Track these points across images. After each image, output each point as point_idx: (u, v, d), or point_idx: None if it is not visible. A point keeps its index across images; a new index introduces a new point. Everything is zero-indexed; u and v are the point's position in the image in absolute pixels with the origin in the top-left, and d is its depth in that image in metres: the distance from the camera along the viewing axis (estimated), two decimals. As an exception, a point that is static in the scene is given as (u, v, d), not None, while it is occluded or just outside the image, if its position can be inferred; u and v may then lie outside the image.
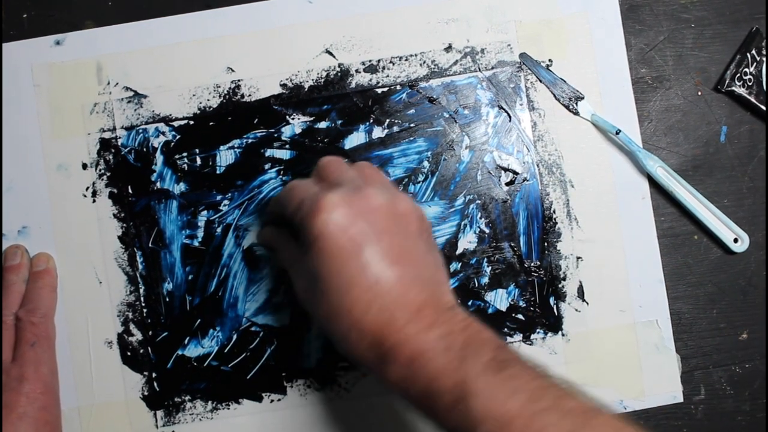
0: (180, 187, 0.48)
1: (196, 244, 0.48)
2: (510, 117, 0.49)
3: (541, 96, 0.49)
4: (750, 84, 0.49)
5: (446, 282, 0.39)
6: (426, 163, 0.49)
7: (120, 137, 0.48)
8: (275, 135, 0.48)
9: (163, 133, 0.48)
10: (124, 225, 0.48)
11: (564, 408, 0.32)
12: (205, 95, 0.48)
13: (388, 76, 0.49)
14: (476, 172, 0.49)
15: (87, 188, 0.48)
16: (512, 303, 0.49)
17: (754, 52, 0.49)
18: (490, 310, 0.49)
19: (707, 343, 0.49)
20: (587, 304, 0.49)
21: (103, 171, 0.48)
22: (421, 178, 0.49)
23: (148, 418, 0.48)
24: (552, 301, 0.49)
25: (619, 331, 0.48)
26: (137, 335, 0.48)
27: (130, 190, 0.48)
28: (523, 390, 0.32)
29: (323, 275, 0.37)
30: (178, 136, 0.48)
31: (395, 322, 0.35)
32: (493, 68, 0.49)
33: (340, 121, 0.49)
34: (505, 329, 0.49)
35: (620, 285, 0.49)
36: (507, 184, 0.49)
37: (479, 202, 0.49)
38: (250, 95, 0.48)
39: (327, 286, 0.36)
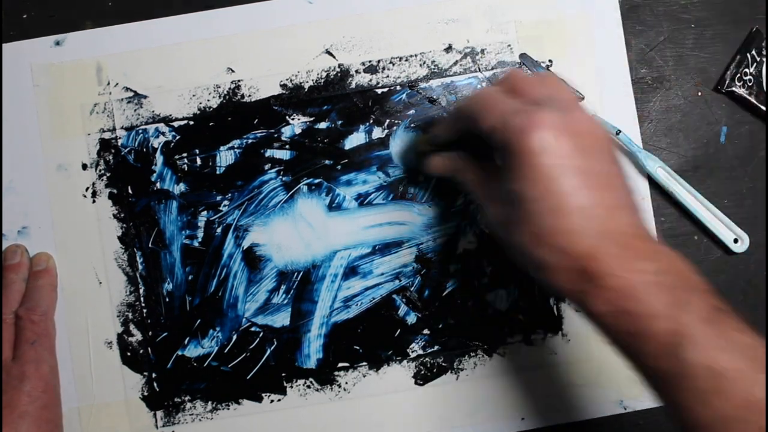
0: (180, 188, 0.48)
1: (196, 244, 0.48)
2: (510, 117, 0.49)
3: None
4: (750, 84, 0.49)
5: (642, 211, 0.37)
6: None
7: (120, 137, 0.48)
8: (275, 135, 0.48)
9: (163, 134, 0.48)
10: (124, 225, 0.48)
11: None
12: (205, 95, 0.48)
13: (388, 76, 0.49)
14: (476, 173, 0.49)
15: (87, 188, 0.48)
16: (512, 303, 0.49)
17: (754, 52, 0.49)
18: (490, 311, 0.49)
19: (707, 344, 0.49)
20: (587, 304, 0.49)
21: (103, 171, 0.48)
22: (421, 178, 0.49)
23: (147, 419, 0.48)
24: (552, 301, 0.49)
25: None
26: (137, 335, 0.48)
27: (130, 191, 0.48)
28: (742, 346, 0.31)
29: (529, 196, 0.35)
30: (178, 137, 0.48)
31: (604, 250, 0.34)
32: (493, 68, 0.49)
33: (340, 122, 0.49)
34: (506, 329, 0.49)
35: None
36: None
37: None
38: (250, 95, 0.48)
39: (532, 207, 0.35)
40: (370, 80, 0.49)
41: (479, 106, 0.38)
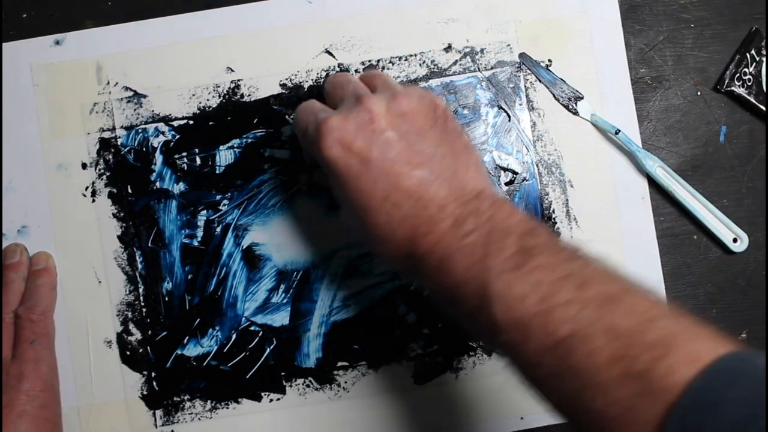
0: (179, 187, 0.48)
1: (195, 243, 0.48)
2: (509, 117, 0.49)
3: (541, 96, 0.49)
4: (749, 84, 0.49)
5: (470, 168, 0.37)
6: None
7: (119, 137, 0.48)
8: (275, 135, 0.48)
9: (163, 133, 0.48)
10: (124, 225, 0.48)
11: (584, 297, 0.30)
12: (204, 95, 0.48)
13: (387, 75, 0.49)
14: (476, 172, 0.49)
15: (87, 188, 0.48)
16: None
17: (753, 52, 0.49)
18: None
19: (707, 343, 0.49)
20: (587, 304, 0.49)
21: (102, 171, 0.48)
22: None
23: (147, 418, 0.48)
24: (551, 301, 0.49)
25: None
26: (136, 335, 0.48)
27: (129, 190, 0.48)
28: (543, 284, 0.31)
29: (345, 198, 0.37)
30: (177, 136, 0.48)
31: (419, 229, 0.35)
32: (492, 68, 0.49)
33: (339, 121, 0.49)
34: (505, 329, 0.49)
35: (620, 285, 0.48)
36: (506, 183, 0.49)
37: (479, 201, 0.49)
38: (249, 95, 0.48)
39: (352, 207, 0.36)
40: (370, 80, 0.49)
41: (294, 121, 0.41)
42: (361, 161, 0.36)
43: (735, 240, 0.49)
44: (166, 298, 0.48)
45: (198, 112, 0.48)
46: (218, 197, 0.48)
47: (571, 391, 0.29)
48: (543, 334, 0.30)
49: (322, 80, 0.49)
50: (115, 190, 0.48)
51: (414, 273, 0.37)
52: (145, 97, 0.48)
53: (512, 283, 0.31)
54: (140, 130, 0.48)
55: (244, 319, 0.48)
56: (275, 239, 0.48)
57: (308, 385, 0.48)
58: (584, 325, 0.29)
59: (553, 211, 0.49)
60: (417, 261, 0.35)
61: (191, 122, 0.48)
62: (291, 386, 0.48)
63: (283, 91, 0.49)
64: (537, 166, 0.49)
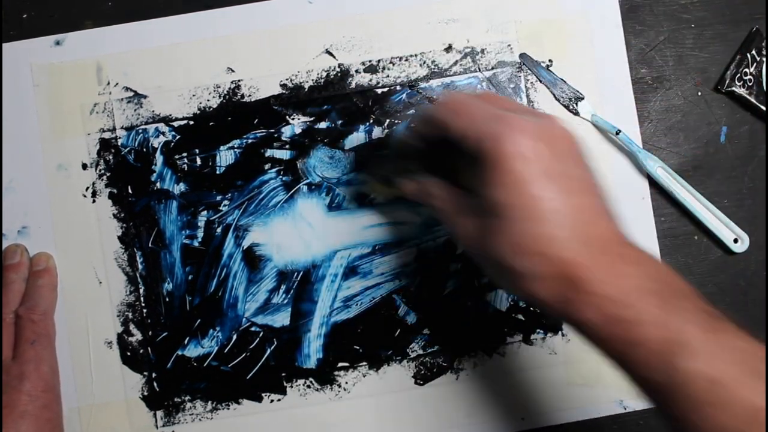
0: (180, 188, 0.48)
1: (196, 244, 0.48)
2: (510, 117, 0.49)
3: (541, 96, 0.49)
4: (750, 84, 0.49)
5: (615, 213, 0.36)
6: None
7: (120, 137, 0.48)
8: (275, 135, 0.48)
9: (163, 134, 0.48)
10: (124, 225, 0.48)
11: None
12: (205, 95, 0.48)
13: (388, 76, 0.49)
14: (476, 173, 0.49)
15: (87, 188, 0.48)
16: (512, 303, 0.49)
17: (754, 52, 0.49)
18: (490, 311, 0.49)
19: (707, 344, 0.49)
20: (587, 304, 0.49)
21: (103, 171, 0.48)
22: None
23: (147, 418, 0.48)
24: (552, 301, 0.49)
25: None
26: (137, 335, 0.48)
27: (130, 190, 0.48)
28: (740, 354, 0.30)
29: (507, 203, 0.33)
30: (178, 137, 0.48)
31: (589, 256, 0.33)
32: (493, 68, 0.49)
33: (340, 122, 0.49)
34: (505, 329, 0.49)
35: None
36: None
37: (479, 202, 0.49)
38: (250, 95, 0.48)
39: (511, 214, 0.33)
40: (370, 80, 0.49)
41: (451, 110, 0.37)
42: (547, 171, 0.33)
43: (736, 240, 0.49)
44: (167, 299, 0.48)
45: (198, 112, 0.48)
46: (219, 198, 0.48)
47: None
48: (739, 399, 0.29)
49: (322, 80, 0.49)
50: (115, 191, 0.48)
51: (565, 299, 0.33)
52: (145, 97, 0.48)
53: (705, 342, 0.30)
54: (140, 131, 0.48)
55: (244, 319, 0.48)
56: (276, 240, 0.48)
57: (309, 386, 0.48)
58: None
59: (554, 212, 0.49)
60: (577, 285, 0.33)
61: (191, 123, 0.48)
62: (292, 387, 0.48)
63: (284, 92, 0.49)
64: (537, 166, 0.49)
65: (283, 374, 0.48)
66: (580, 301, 0.33)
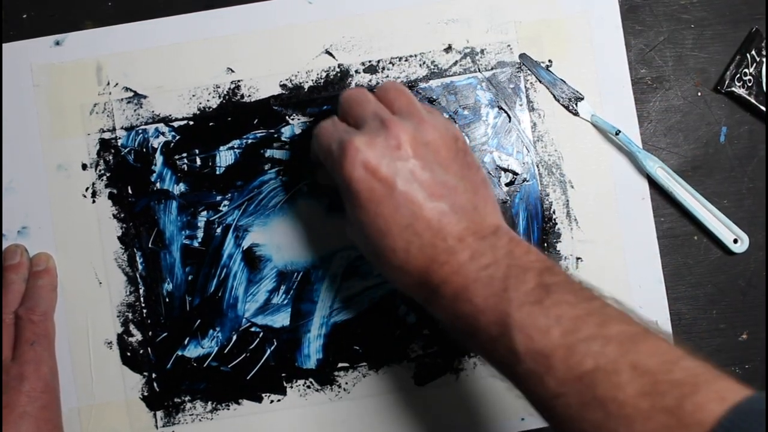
0: (180, 188, 0.48)
1: (195, 244, 0.48)
2: (510, 117, 0.49)
3: (541, 96, 0.49)
4: (750, 85, 0.49)
5: (488, 203, 0.38)
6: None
7: (120, 137, 0.48)
8: (275, 135, 0.48)
9: (163, 134, 0.48)
10: (124, 225, 0.48)
11: (607, 335, 0.31)
12: (204, 96, 0.48)
13: (387, 76, 0.49)
14: (476, 173, 0.49)
15: (87, 188, 0.48)
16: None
17: (753, 52, 0.49)
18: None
19: (707, 344, 0.49)
20: (587, 304, 0.49)
21: (102, 171, 0.48)
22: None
23: (147, 419, 0.48)
24: (552, 301, 0.49)
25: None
26: (137, 336, 0.48)
27: (129, 191, 0.48)
28: (565, 318, 0.32)
29: (361, 221, 0.36)
30: (177, 137, 0.48)
31: (437, 259, 0.35)
32: (492, 69, 0.49)
33: (339, 122, 0.49)
34: (505, 330, 0.49)
35: (620, 286, 0.49)
36: (507, 184, 0.49)
37: (479, 202, 0.49)
38: (249, 96, 0.48)
39: (367, 231, 0.36)
40: (370, 80, 0.49)
41: (314, 140, 0.40)
42: (384, 187, 0.36)
43: (735, 241, 0.49)
44: (167, 299, 0.48)
45: (198, 112, 0.48)
46: (218, 198, 0.48)
47: (594, 422, 0.30)
48: (565, 366, 0.31)
49: (322, 81, 0.49)
50: (115, 191, 0.48)
51: (427, 302, 0.37)
52: (145, 97, 0.48)
53: (534, 314, 0.32)
54: (140, 131, 0.48)
55: (244, 320, 0.48)
56: (275, 240, 0.48)
57: (309, 386, 0.48)
58: (608, 361, 0.30)
59: (554, 212, 0.49)
60: (432, 290, 0.36)
61: (191, 123, 0.48)
62: (291, 387, 0.48)
63: (284, 92, 0.49)
64: (537, 166, 0.49)
65: (283, 374, 0.48)
66: (434, 302, 0.36)
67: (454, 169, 0.37)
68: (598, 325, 0.31)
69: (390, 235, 0.36)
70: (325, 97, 0.49)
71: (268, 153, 0.48)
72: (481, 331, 0.34)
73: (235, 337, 0.48)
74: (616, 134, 0.48)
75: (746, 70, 0.49)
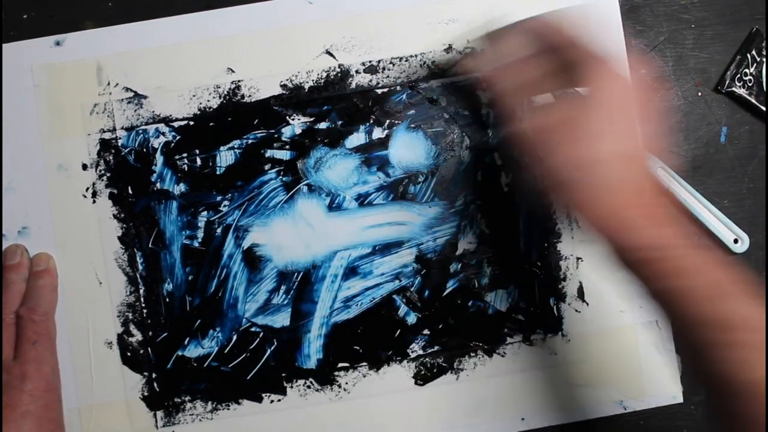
0: (180, 188, 0.48)
1: (196, 244, 0.48)
2: (510, 117, 0.49)
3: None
4: (750, 85, 0.49)
5: None
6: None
7: (120, 138, 0.48)
8: (275, 135, 0.48)
9: (163, 134, 0.48)
10: (124, 225, 0.48)
11: None
12: (205, 96, 0.48)
13: (388, 76, 0.49)
14: (476, 173, 0.49)
15: (87, 189, 0.48)
16: (512, 303, 0.49)
17: (754, 52, 0.49)
18: (490, 311, 0.49)
19: (707, 344, 0.49)
20: (587, 304, 0.49)
21: (103, 171, 0.48)
22: (421, 178, 0.49)
23: (148, 419, 0.48)
24: (552, 301, 0.49)
25: (619, 332, 0.48)
26: (137, 336, 0.48)
27: (130, 191, 0.48)
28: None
29: (602, 116, 0.37)
30: (178, 137, 0.48)
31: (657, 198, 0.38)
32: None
33: (340, 122, 0.49)
34: (506, 330, 0.49)
35: (620, 285, 0.48)
36: (507, 184, 0.49)
37: (479, 202, 0.49)
38: (250, 96, 0.48)
39: (600, 129, 0.37)
40: (370, 80, 0.49)
41: (558, 21, 0.40)
42: (631, 100, 0.38)
43: (736, 241, 0.49)
44: (167, 299, 0.48)
45: (198, 112, 0.48)
46: (219, 198, 0.48)
47: None
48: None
49: (322, 81, 0.49)
50: (115, 191, 0.48)
51: (624, 215, 0.37)
52: (145, 97, 0.48)
53: (746, 294, 0.35)
54: (141, 131, 0.48)
55: (244, 320, 0.48)
56: (276, 240, 0.48)
57: (309, 386, 0.48)
58: None
59: (554, 212, 0.49)
60: (648, 217, 0.37)
61: (192, 123, 0.48)
62: (292, 387, 0.48)
63: (284, 92, 0.49)
64: (537, 166, 0.49)
65: (283, 374, 0.48)
66: (641, 227, 0.37)
67: None
68: None
69: (629, 136, 0.38)
70: (326, 97, 0.49)
71: (269, 153, 0.48)
72: (690, 290, 0.36)
73: (235, 337, 0.48)
74: (617, 134, 0.48)
75: (746, 70, 0.49)
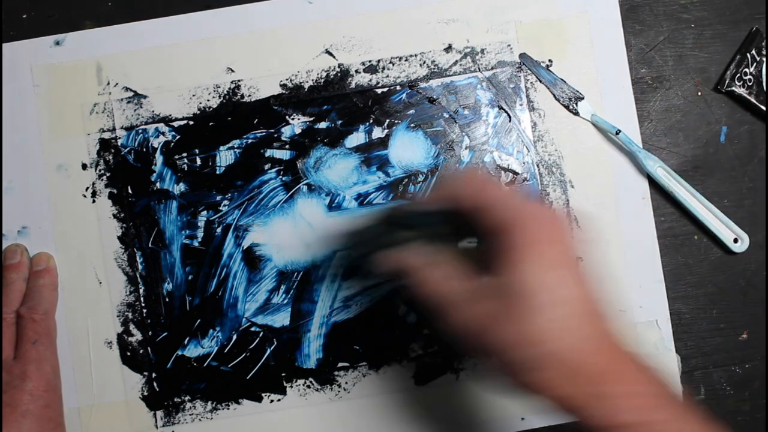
0: (180, 188, 0.48)
1: (195, 244, 0.48)
2: (510, 117, 0.49)
3: (541, 96, 0.49)
4: (750, 84, 0.49)
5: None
6: (426, 164, 0.49)
7: (120, 137, 0.48)
8: (275, 135, 0.48)
9: (163, 134, 0.48)
10: (124, 225, 0.48)
11: None
12: (204, 95, 0.48)
13: (388, 76, 0.49)
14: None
15: (87, 188, 0.48)
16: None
17: (754, 52, 0.49)
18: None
19: (707, 344, 0.49)
20: (587, 304, 0.49)
21: (102, 171, 0.48)
22: (420, 178, 0.49)
23: (147, 419, 0.48)
24: (552, 301, 0.49)
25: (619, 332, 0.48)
26: (137, 335, 0.48)
27: (129, 191, 0.48)
28: None
29: (535, 288, 0.31)
30: (177, 137, 0.48)
31: (603, 351, 0.31)
32: (493, 68, 0.49)
33: (340, 122, 0.49)
34: (505, 329, 0.49)
35: (620, 285, 0.49)
36: (507, 184, 0.49)
37: (479, 202, 0.49)
38: (249, 95, 0.48)
39: (537, 300, 0.31)
40: (370, 80, 0.49)
41: (477, 186, 0.35)
42: (572, 258, 0.32)
43: (736, 240, 0.49)
44: (167, 299, 0.48)
45: (198, 112, 0.48)
46: (218, 198, 0.48)
47: None
48: None
49: (322, 80, 0.49)
50: (115, 191, 0.48)
51: (581, 392, 0.31)
52: (145, 97, 0.48)
53: None
54: (140, 131, 0.48)
55: (244, 319, 0.48)
56: (275, 240, 0.48)
57: (309, 386, 0.48)
58: None
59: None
60: (608, 384, 0.31)
61: (191, 123, 0.48)
62: (291, 387, 0.48)
63: (284, 92, 0.49)
64: (537, 166, 0.49)
65: (283, 374, 0.48)
66: (607, 402, 0.31)
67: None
68: None
69: (572, 305, 0.32)
70: (325, 96, 0.49)
71: (268, 153, 0.48)
72: None
73: (235, 337, 0.48)
74: (617, 134, 0.48)
75: (746, 69, 0.49)
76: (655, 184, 0.49)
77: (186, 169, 0.48)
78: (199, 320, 0.48)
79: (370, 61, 0.49)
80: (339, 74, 0.49)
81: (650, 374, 0.32)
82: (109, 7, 0.49)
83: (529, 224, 0.32)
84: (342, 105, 0.49)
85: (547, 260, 0.31)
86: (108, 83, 0.48)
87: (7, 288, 0.46)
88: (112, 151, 0.48)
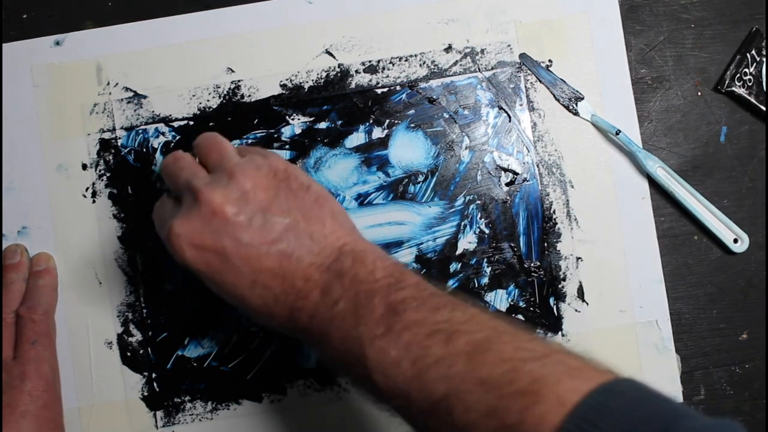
0: (180, 188, 0.48)
1: (196, 244, 0.48)
2: (510, 117, 0.49)
3: (541, 96, 0.49)
4: (750, 84, 0.49)
5: (325, 224, 0.37)
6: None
7: (120, 138, 0.48)
8: (275, 135, 0.48)
9: (163, 134, 0.48)
10: (124, 225, 0.48)
11: (454, 351, 0.30)
12: (204, 96, 0.48)
13: (388, 76, 0.49)
14: (476, 173, 0.49)
15: (87, 188, 0.48)
16: (512, 303, 0.49)
17: (754, 52, 0.49)
18: (490, 310, 0.49)
19: (707, 344, 0.49)
20: (587, 304, 0.49)
21: (102, 171, 0.48)
22: (420, 178, 0.49)
23: (147, 419, 0.48)
24: (552, 301, 0.49)
25: (619, 332, 0.48)
26: (137, 336, 0.48)
27: (130, 191, 0.48)
28: (413, 344, 0.31)
29: (216, 291, 0.37)
30: (178, 137, 0.48)
31: (294, 305, 0.35)
32: (492, 69, 0.49)
33: (340, 122, 0.49)
34: (505, 329, 0.49)
35: (620, 285, 0.49)
36: (507, 184, 0.49)
37: (479, 202, 0.49)
38: (249, 96, 0.48)
39: (225, 297, 0.37)
40: (370, 80, 0.49)
41: (169, 161, 0.40)
42: (217, 256, 0.35)
43: (735, 240, 0.49)
44: (167, 299, 0.48)
45: (198, 112, 0.48)
46: (219, 198, 0.48)
47: None
48: (421, 397, 0.30)
49: (322, 81, 0.49)
50: (115, 191, 0.48)
51: (310, 347, 0.37)
52: (145, 97, 0.48)
53: (385, 349, 0.32)
54: (140, 131, 0.48)
55: (244, 320, 0.48)
56: (276, 240, 0.48)
57: (309, 386, 0.48)
58: (458, 382, 0.29)
59: (554, 212, 0.49)
60: (304, 337, 0.36)
61: (191, 123, 0.48)
62: (291, 387, 0.48)
63: (284, 92, 0.49)
64: (537, 166, 0.49)
65: (283, 374, 0.48)
66: (315, 349, 0.36)
67: (279, 206, 0.37)
68: (444, 343, 0.31)
69: (244, 296, 0.36)
70: (325, 97, 0.49)
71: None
72: (349, 373, 0.34)
73: (235, 337, 0.48)
74: (616, 134, 0.48)
75: (746, 69, 0.49)
76: (655, 184, 0.49)
77: (186, 169, 0.48)
78: (199, 320, 0.48)
79: (370, 62, 0.49)
80: (339, 74, 0.49)
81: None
82: (109, 7, 0.49)
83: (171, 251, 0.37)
84: (342, 105, 0.49)
85: (199, 277, 0.37)
86: (108, 83, 0.48)
87: (6, 288, 0.46)
88: (112, 151, 0.48)
